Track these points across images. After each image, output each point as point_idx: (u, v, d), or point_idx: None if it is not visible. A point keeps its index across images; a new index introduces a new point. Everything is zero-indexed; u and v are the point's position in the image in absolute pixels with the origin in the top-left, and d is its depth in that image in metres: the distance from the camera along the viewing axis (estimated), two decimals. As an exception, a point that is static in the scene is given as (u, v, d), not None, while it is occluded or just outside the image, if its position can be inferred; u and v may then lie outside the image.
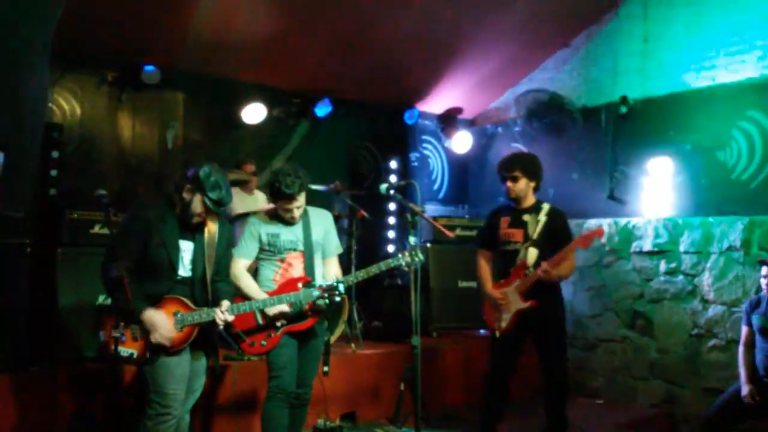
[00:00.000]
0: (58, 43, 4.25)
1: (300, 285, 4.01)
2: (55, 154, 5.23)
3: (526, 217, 4.74)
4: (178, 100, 6.63)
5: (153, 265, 3.52)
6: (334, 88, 7.14)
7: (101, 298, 4.60)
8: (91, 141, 6.16)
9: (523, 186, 4.74)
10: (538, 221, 4.70)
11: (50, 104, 5.81)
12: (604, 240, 6.83)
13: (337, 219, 4.86)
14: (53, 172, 5.21)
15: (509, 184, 4.75)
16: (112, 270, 3.28)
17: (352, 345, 5.89)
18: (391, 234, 7.97)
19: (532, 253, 4.66)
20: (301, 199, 3.98)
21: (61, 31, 4.29)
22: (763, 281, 4.82)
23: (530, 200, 4.80)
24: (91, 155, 6.14)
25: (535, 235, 4.67)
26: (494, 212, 4.96)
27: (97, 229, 4.74)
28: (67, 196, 5.32)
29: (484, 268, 4.87)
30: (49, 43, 4.24)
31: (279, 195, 3.95)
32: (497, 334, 4.69)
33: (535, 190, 4.81)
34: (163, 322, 3.45)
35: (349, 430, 5.33)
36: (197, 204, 3.55)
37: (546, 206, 4.78)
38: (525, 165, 4.78)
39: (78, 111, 6.09)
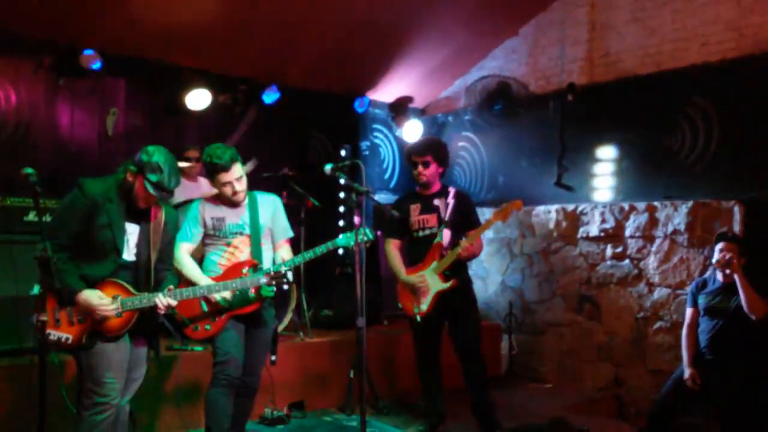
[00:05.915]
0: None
1: (245, 270, 3.91)
2: (-12, 140, 5.03)
3: (437, 202, 4.79)
4: (118, 86, 6.42)
5: (96, 246, 3.38)
6: (281, 75, 7.01)
7: (36, 288, 4.41)
8: (27, 127, 5.92)
9: (433, 171, 4.79)
10: (447, 204, 4.76)
11: (-17, 89, 5.58)
12: (551, 226, 6.89)
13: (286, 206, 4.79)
14: (-15, 159, 5.01)
15: (420, 169, 4.77)
16: (43, 250, 3.13)
17: (301, 333, 5.81)
18: (341, 223, 7.88)
19: (447, 235, 4.71)
20: (236, 171, 3.89)
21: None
22: (718, 255, 4.78)
23: (437, 185, 4.86)
24: (27, 142, 5.90)
25: (447, 217, 4.72)
26: (400, 201, 5.00)
27: (31, 216, 4.54)
28: (1, 183, 5.10)
29: (396, 256, 4.91)
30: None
31: (213, 169, 3.89)
32: (418, 318, 4.72)
33: (442, 175, 4.88)
34: (97, 301, 3.31)
35: (297, 419, 5.24)
36: (139, 187, 3.43)
37: (452, 190, 4.85)
38: (436, 150, 4.82)
39: (13, 96, 5.84)
